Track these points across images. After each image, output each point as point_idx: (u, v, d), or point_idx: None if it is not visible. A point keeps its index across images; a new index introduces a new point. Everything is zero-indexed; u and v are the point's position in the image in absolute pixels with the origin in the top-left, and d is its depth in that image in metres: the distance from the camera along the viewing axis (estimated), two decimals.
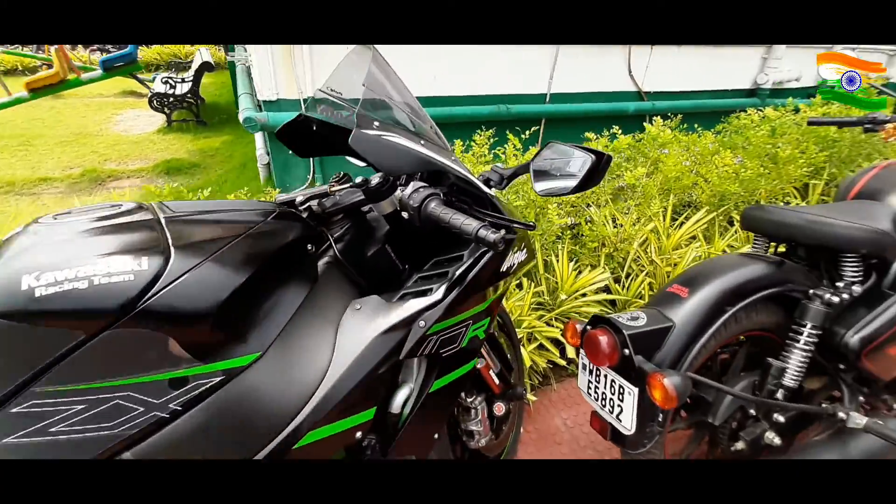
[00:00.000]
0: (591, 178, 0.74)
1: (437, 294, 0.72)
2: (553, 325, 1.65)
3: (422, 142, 0.77)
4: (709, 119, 3.51)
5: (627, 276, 1.90)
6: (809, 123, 1.73)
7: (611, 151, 2.39)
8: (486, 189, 0.81)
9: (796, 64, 4.50)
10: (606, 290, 1.86)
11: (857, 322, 1.06)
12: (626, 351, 0.92)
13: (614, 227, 1.92)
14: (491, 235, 0.63)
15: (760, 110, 2.97)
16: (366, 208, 0.86)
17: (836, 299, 1.02)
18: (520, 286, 1.68)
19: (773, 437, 1.07)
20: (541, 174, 0.81)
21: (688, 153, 2.36)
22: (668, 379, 0.85)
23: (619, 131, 2.38)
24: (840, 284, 1.09)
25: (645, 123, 2.52)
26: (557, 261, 1.77)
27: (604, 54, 3.55)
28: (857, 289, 1.08)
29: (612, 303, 1.85)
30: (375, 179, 0.76)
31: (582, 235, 1.90)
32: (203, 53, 5.78)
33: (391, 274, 0.82)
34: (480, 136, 1.99)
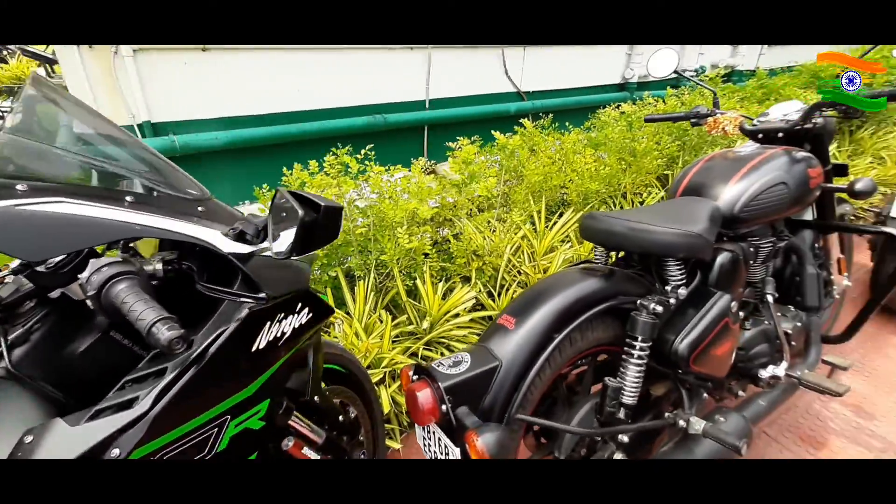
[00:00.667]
0: (312, 236, 0.59)
1: (145, 403, 0.54)
2: (423, 355, 1.54)
3: (128, 199, 0.60)
4: (584, 116, 3.64)
5: (503, 287, 1.85)
6: (646, 120, 1.78)
7: (486, 154, 2.38)
8: (224, 250, 0.64)
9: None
10: (483, 306, 1.79)
11: (684, 326, 1.05)
12: (444, 407, 0.81)
13: (484, 238, 1.86)
14: (164, 333, 0.47)
15: (632, 102, 3.13)
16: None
17: (661, 308, 1.00)
18: (379, 319, 1.54)
19: (622, 457, 1.03)
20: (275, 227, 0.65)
21: (556, 153, 2.38)
22: (481, 438, 0.75)
23: (500, 134, 2.34)
24: (668, 288, 1.08)
25: (524, 121, 2.52)
26: (423, 284, 1.66)
27: (478, 56, 3.55)
28: (682, 291, 1.07)
29: (490, 318, 1.79)
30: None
31: (450, 251, 1.82)
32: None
33: (119, 370, 0.63)
34: (335, 154, 1.81)
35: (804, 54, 6.38)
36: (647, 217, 1.06)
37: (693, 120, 1.64)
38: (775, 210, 1.24)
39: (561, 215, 2.20)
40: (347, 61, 2.88)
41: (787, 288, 1.46)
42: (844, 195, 1.48)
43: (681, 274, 1.07)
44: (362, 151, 1.82)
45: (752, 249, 1.29)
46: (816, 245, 1.61)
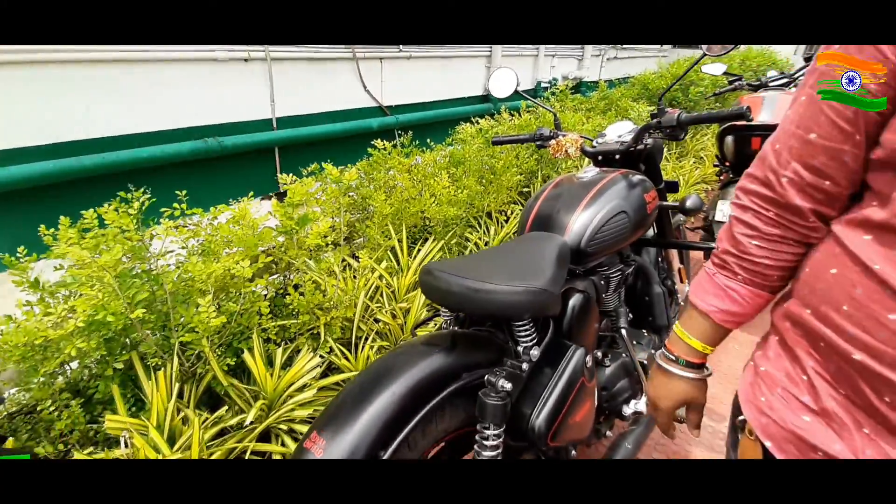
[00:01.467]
0: None
1: None
2: (255, 450, 1.22)
3: None
4: (448, 129, 3.57)
5: (360, 339, 1.60)
6: (493, 143, 1.68)
7: (347, 181, 2.11)
8: None
9: (518, 68, 5.09)
10: (337, 367, 1.52)
11: (539, 397, 0.91)
12: None
13: (332, 286, 1.58)
14: None
15: (491, 116, 3.11)
16: None
17: (510, 385, 0.84)
18: (183, 420, 1.18)
19: None
20: None
21: (414, 175, 2.21)
22: None
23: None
24: (520, 349, 0.93)
25: (377, 141, 2.30)
26: (253, 357, 1.34)
27: (327, 68, 3.26)
28: (535, 353, 0.93)
29: (346, 382, 1.52)
30: None
31: (290, 306, 1.51)
32: None
33: None
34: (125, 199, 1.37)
35: (636, 68, 7.26)
36: (489, 271, 0.90)
37: (538, 142, 1.58)
38: (620, 240, 1.19)
39: (426, 241, 2.03)
40: (159, 71, 2.38)
41: (639, 309, 1.46)
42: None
43: (531, 333, 0.93)
44: (186, 189, 1.43)
45: (602, 282, 1.23)
46: (660, 259, 1.65)
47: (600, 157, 1.48)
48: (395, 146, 2.38)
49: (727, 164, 2.58)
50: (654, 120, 1.32)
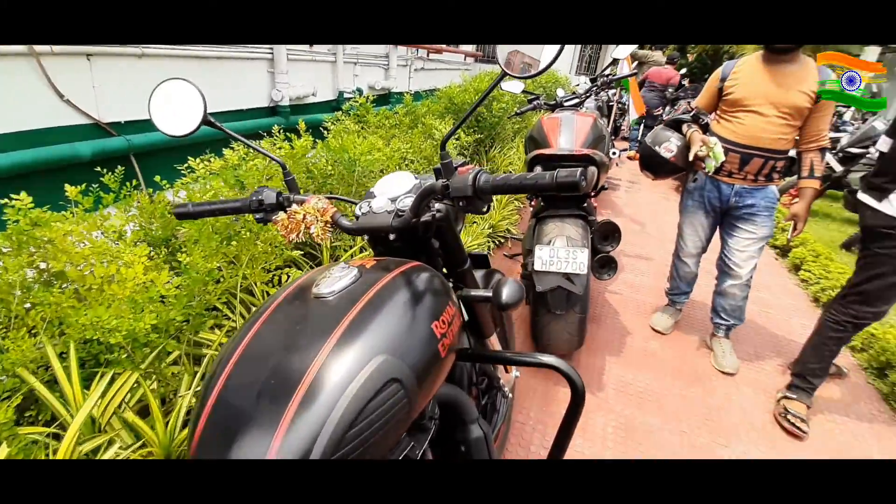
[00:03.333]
0: None
1: None
2: None
3: None
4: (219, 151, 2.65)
5: None
6: (177, 216, 0.95)
7: None
8: None
9: (310, 78, 4.34)
10: None
11: None
12: None
13: None
14: None
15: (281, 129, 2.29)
16: None
17: None
18: None
19: None
20: None
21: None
22: None
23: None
24: None
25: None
26: None
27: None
28: None
29: None
30: None
31: None
32: None
33: None
34: None
35: (442, 80, 7.22)
36: None
37: (258, 215, 0.92)
38: (392, 430, 0.61)
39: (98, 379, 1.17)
40: None
41: None
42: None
43: None
44: None
45: None
46: (475, 376, 1.16)
47: (366, 237, 0.90)
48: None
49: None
50: (440, 182, 0.79)
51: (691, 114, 2.34)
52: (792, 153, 2.15)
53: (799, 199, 2.12)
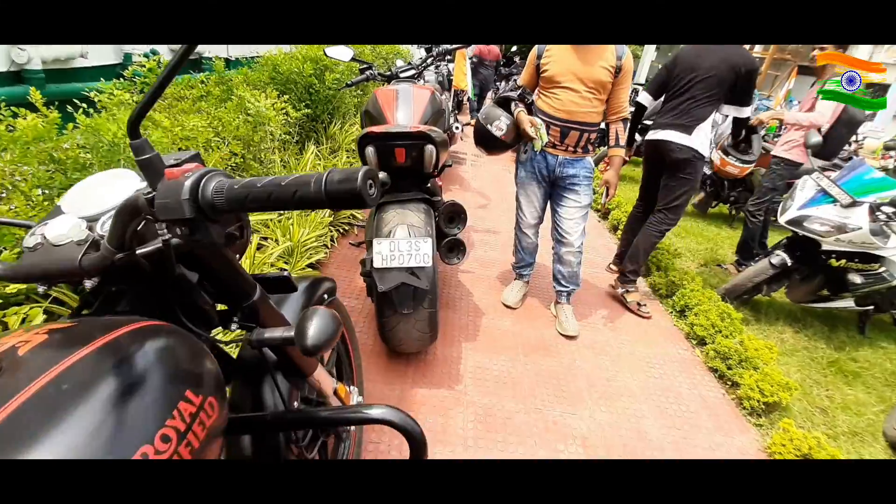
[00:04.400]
0: None
1: None
2: None
3: None
4: None
5: None
6: None
7: None
8: None
9: None
10: None
11: None
12: None
13: None
14: None
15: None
16: None
17: None
18: None
19: None
20: None
21: None
22: None
23: None
24: None
25: None
26: None
27: None
28: None
29: None
30: None
31: None
32: None
33: None
34: None
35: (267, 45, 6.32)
36: None
37: None
38: None
39: None
40: None
41: None
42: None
43: None
44: None
45: None
46: None
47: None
48: None
49: None
50: (145, 190, 0.47)
51: (518, 92, 2.35)
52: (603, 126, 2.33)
53: (609, 167, 2.31)
